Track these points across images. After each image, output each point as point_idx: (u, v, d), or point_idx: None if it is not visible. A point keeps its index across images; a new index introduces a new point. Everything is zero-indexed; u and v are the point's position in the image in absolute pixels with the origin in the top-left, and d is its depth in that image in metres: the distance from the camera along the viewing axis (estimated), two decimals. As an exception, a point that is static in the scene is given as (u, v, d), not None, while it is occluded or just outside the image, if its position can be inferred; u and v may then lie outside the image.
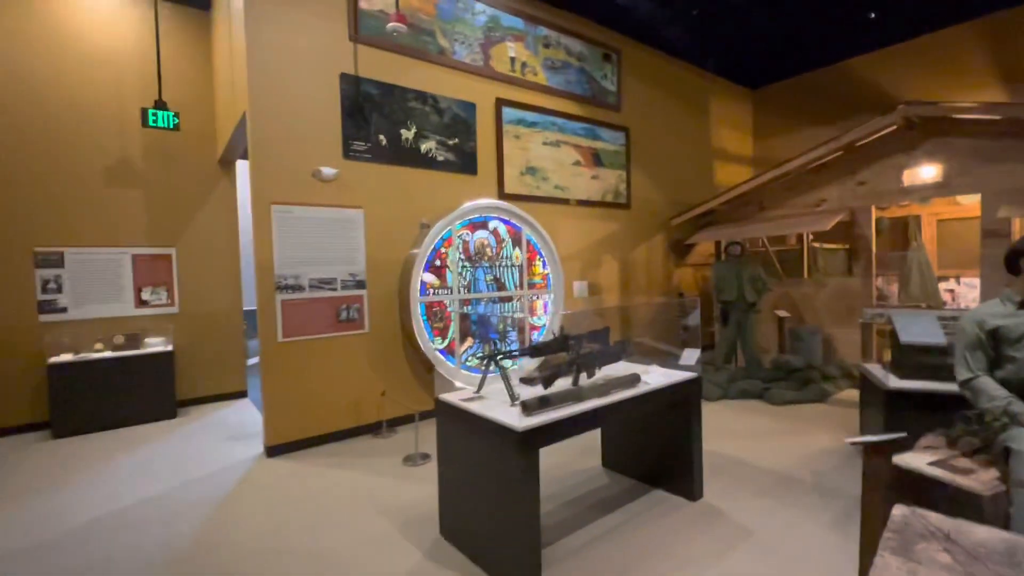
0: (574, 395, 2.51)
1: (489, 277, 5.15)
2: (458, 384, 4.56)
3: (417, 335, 4.48)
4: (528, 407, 2.28)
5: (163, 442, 4.42)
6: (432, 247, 4.66)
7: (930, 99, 6.12)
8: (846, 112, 7.35)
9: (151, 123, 4.68)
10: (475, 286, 5.03)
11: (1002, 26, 6.25)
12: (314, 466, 3.79)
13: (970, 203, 6.00)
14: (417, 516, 2.94)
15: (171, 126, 4.79)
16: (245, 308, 6.01)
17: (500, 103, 5.37)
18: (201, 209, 5.62)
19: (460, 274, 4.90)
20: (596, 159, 6.35)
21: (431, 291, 4.70)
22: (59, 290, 4.91)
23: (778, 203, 6.33)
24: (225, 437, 4.51)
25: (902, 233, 7.10)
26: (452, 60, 5.02)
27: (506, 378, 2.53)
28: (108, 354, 4.88)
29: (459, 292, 4.88)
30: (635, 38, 6.83)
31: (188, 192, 5.53)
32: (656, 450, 3.21)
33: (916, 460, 1.93)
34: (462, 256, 4.93)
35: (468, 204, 4.88)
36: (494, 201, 5.12)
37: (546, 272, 5.59)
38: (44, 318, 4.82)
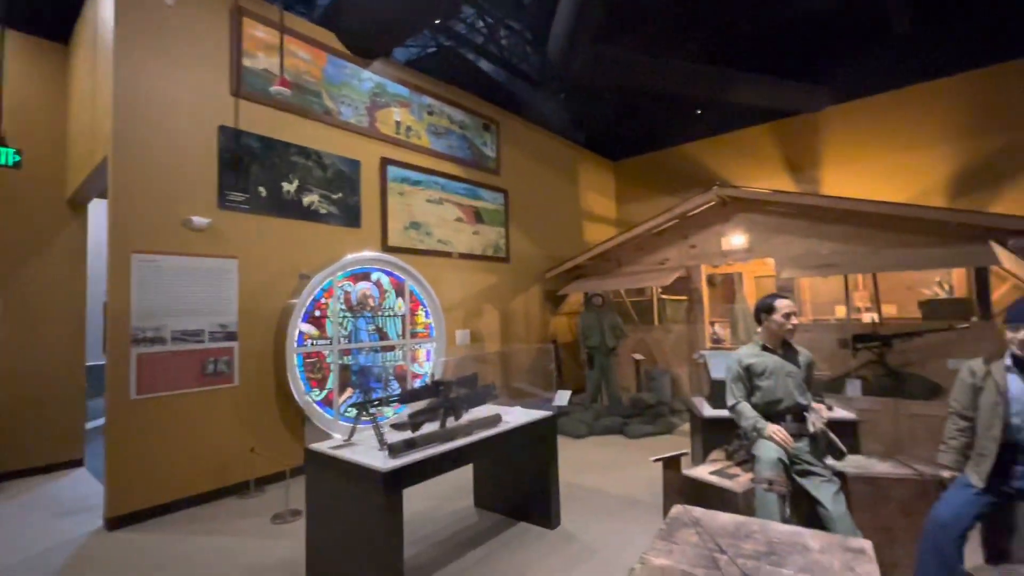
0: (440, 436, 2.76)
1: (371, 327, 5.26)
2: (335, 435, 4.54)
3: (292, 386, 4.42)
4: (395, 449, 2.48)
5: (-33, 525, 3.75)
6: (311, 298, 4.70)
7: (739, 182, 7.66)
8: (687, 185, 8.79)
9: (-16, 160, 4.23)
10: (356, 336, 5.11)
11: (787, 129, 8.12)
12: (168, 535, 3.51)
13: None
14: (286, 574, 2.90)
15: (11, 164, 4.36)
16: (89, 363, 5.38)
17: (385, 162, 5.70)
18: (41, 254, 5.05)
19: (341, 324, 4.96)
20: (477, 216, 6.89)
21: (309, 342, 4.70)
22: None
23: (632, 260, 7.34)
24: (54, 513, 3.95)
25: (731, 287, 8.60)
26: (338, 120, 5.27)
27: (376, 424, 2.71)
28: None
29: (339, 342, 4.93)
30: (512, 111, 7.68)
31: (24, 235, 4.96)
32: (520, 486, 3.53)
33: (701, 471, 2.48)
34: (343, 307, 5.01)
35: (351, 256, 5.04)
36: (377, 254, 5.33)
37: (429, 322, 5.84)
38: None
